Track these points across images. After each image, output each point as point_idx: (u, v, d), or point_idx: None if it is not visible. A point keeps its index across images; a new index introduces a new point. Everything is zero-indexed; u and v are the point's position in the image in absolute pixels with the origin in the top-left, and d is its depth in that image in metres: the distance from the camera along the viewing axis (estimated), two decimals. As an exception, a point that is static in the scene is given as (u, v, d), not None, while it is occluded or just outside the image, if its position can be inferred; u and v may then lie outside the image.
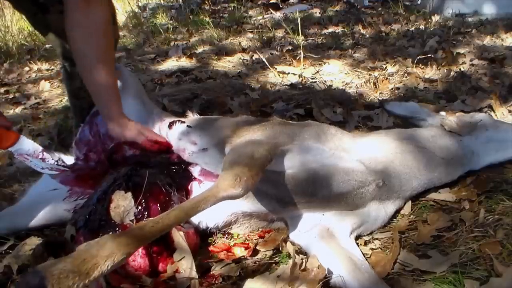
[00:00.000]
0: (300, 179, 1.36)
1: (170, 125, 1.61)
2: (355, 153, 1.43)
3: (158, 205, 1.34)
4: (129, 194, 1.31)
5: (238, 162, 1.25)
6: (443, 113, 1.75)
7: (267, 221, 1.48)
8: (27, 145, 1.53)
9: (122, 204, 1.30)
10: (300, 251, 1.35)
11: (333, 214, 1.39)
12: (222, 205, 1.30)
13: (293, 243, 1.38)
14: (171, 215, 1.14)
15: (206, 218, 1.43)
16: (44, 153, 1.54)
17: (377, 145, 1.48)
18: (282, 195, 1.37)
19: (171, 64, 3.46)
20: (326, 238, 1.34)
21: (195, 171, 1.46)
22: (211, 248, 1.43)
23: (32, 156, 1.53)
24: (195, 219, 1.42)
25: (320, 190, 1.36)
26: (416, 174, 1.45)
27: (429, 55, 3.09)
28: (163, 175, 1.43)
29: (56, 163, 1.54)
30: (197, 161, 1.47)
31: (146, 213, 1.32)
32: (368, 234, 1.42)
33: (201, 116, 1.74)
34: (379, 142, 1.51)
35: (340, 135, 1.47)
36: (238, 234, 1.49)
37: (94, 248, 1.01)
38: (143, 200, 1.33)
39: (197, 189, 1.44)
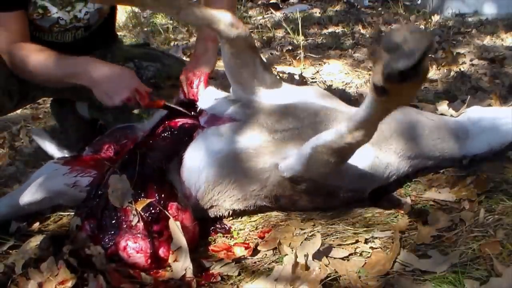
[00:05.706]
0: (292, 107, 1.52)
1: None
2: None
3: (154, 186, 1.38)
4: (124, 176, 1.36)
5: None
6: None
7: (260, 174, 1.45)
8: None
9: (119, 187, 1.34)
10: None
11: None
12: (214, 141, 1.47)
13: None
14: None
15: (196, 170, 1.47)
16: None
17: None
18: (273, 123, 1.49)
19: (171, 64, 3.45)
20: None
21: (202, 120, 1.59)
22: (211, 247, 1.43)
23: None
24: (187, 178, 1.48)
25: (308, 117, 1.50)
26: (407, 127, 1.56)
27: (429, 55, 3.09)
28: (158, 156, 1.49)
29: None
30: (206, 108, 1.61)
31: (143, 194, 1.35)
32: (367, 232, 1.41)
33: None
34: None
35: (339, 100, 1.64)
36: (238, 233, 1.50)
37: None
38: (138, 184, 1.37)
39: (200, 134, 1.54)
